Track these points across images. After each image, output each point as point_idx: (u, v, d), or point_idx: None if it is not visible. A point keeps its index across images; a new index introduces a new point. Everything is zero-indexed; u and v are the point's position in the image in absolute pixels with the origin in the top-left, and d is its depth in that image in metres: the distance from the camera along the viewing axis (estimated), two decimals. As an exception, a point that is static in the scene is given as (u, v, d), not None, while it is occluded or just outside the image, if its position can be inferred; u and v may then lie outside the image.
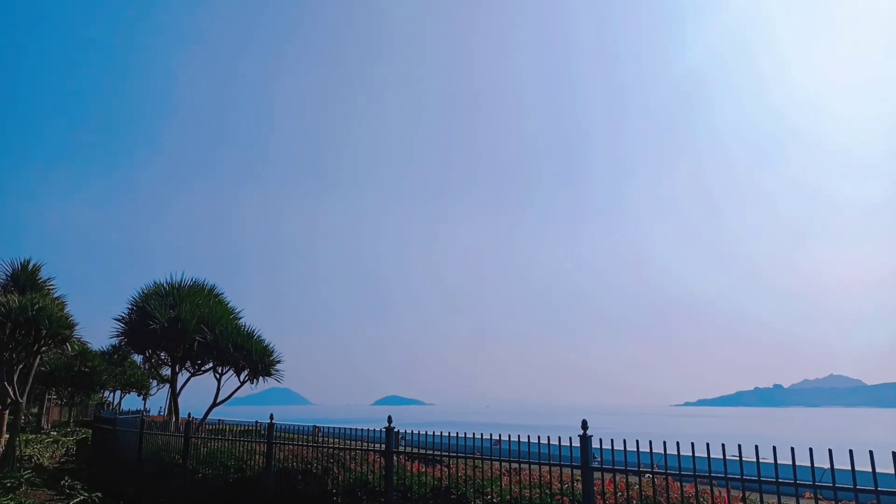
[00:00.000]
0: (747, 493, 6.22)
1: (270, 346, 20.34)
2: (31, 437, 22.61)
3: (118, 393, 46.05)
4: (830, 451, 4.93)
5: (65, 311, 18.08)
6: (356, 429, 10.03)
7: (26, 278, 19.63)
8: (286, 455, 10.42)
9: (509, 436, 7.50)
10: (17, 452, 16.72)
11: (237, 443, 11.53)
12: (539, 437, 7.05)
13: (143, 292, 20.27)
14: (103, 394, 45.35)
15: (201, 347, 19.13)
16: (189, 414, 16.62)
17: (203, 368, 20.54)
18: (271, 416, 10.97)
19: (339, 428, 10.14)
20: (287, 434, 10.79)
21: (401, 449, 8.98)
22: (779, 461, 5.33)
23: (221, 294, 21.65)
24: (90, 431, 22.12)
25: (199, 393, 22.00)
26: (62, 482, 13.90)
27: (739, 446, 5.52)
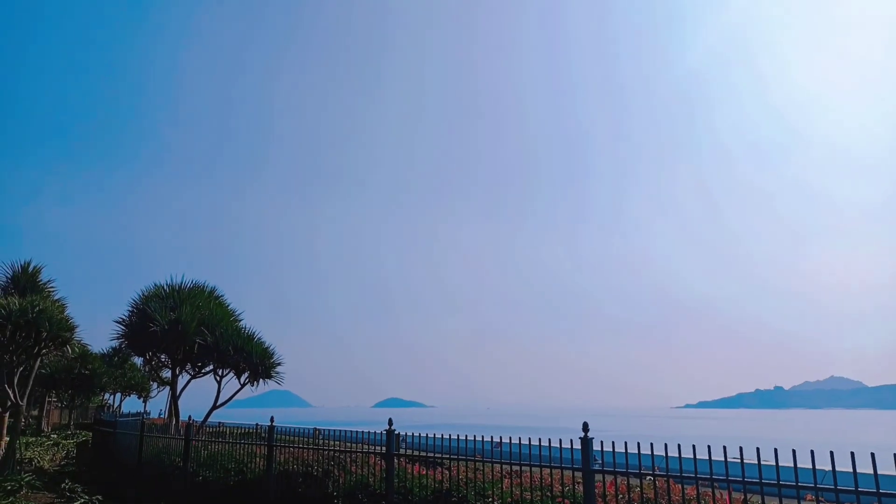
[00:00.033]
0: (749, 496, 6.21)
1: (271, 348, 20.35)
2: (31, 439, 22.59)
3: (118, 395, 46.03)
4: (832, 453, 4.92)
5: (65, 314, 18.07)
6: (357, 431, 10.02)
7: (27, 280, 19.62)
8: (287, 458, 10.41)
9: (510, 438, 7.49)
10: (18, 455, 16.71)
11: (238, 445, 11.52)
12: (540, 439, 7.04)
13: (143, 294, 20.26)
14: (104, 396, 45.32)
15: (202, 350, 19.12)
16: (189, 416, 16.61)
17: (203, 371, 20.53)
18: (272, 419, 10.96)
19: (340, 430, 10.13)
20: (288, 437, 10.78)
21: (401, 451, 8.97)
22: (780, 463, 5.32)
23: (222, 296, 21.65)
24: (90, 434, 22.11)
25: (199, 395, 21.97)
26: (63, 485, 13.88)
27: (741, 448, 5.51)
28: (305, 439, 10.59)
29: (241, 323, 20.99)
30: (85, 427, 33.28)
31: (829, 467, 5.00)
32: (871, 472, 4.91)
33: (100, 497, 12.97)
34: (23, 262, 19.97)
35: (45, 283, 20.17)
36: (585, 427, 6.64)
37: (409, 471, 8.78)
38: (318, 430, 11.96)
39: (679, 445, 5.92)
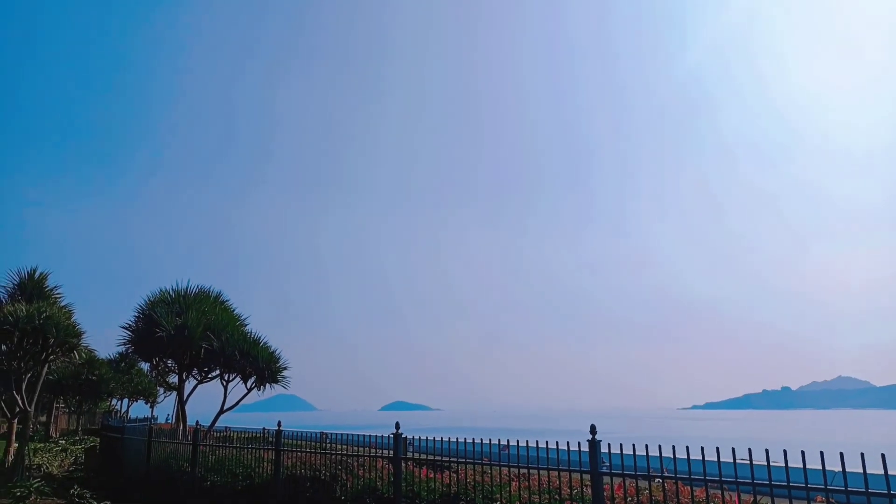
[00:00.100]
0: (758, 498, 6.17)
1: (277, 352, 20.37)
2: (39, 445, 22.68)
3: (126, 401, 46.20)
4: (842, 454, 4.90)
5: (72, 320, 18.15)
6: (364, 435, 10.02)
7: (33, 287, 19.70)
8: (294, 462, 10.42)
9: (517, 441, 7.48)
10: (26, 461, 16.77)
11: (245, 450, 11.54)
12: (547, 442, 7.02)
13: (149, 300, 20.32)
14: (111, 402, 45.49)
15: (208, 354, 19.15)
16: (197, 421, 16.62)
17: (210, 376, 20.56)
18: (279, 424, 10.97)
19: (347, 434, 10.13)
20: (295, 441, 10.79)
21: (409, 455, 8.96)
22: (790, 464, 5.29)
23: (227, 301, 21.70)
24: (98, 440, 22.18)
25: (206, 400, 22.04)
26: (71, 491, 13.93)
27: (749, 450, 5.48)
28: (312, 443, 10.60)
29: (247, 327, 21.03)
30: (93, 433, 33.40)
31: (838, 468, 4.97)
32: (882, 472, 4.88)
33: (108, 502, 13.01)
34: (29, 269, 20.07)
35: (51, 290, 20.25)
36: (593, 429, 6.62)
37: (417, 474, 8.78)
38: (325, 433, 11.97)
39: (687, 447, 5.89)
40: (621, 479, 6.57)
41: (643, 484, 6.78)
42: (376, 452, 9.33)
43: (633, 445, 6.24)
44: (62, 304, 19.60)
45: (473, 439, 8.05)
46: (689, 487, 6.15)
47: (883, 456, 4.71)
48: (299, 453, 10.43)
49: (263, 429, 14.59)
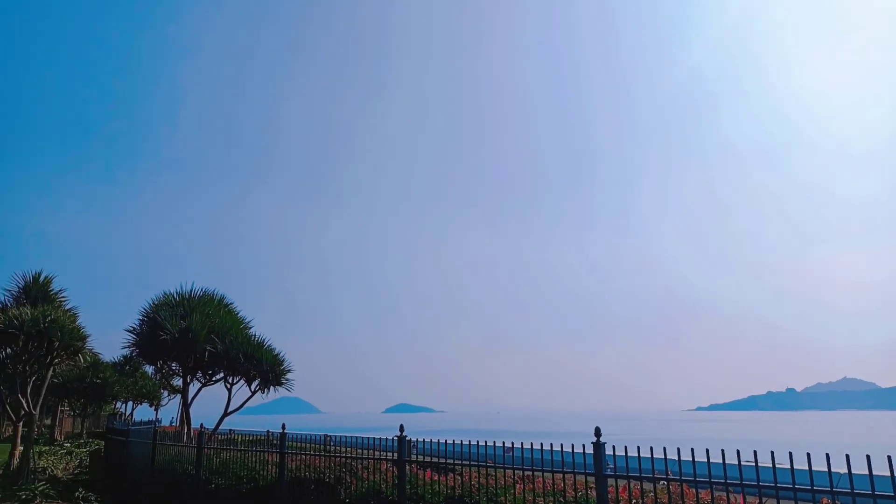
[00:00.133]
0: (764, 500, 6.15)
1: (280, 355, 20.38)
2: (44, 448, 22.75)
3: (130, 404, 46.31)
4: (848, 456, 4.87)
5: (77, 323, 18.22)
6: (367, 437, 10.02)
7: (38, 290, 19.77)
8: (298, 464, 10.42)
9: (521, 443, 7.47)
10: (32, 464, 16.82)
11: (249, 453, 11.55)
12: (552, 444, 7.02)
13: (153, 303, 20.37)
14: (115, 405, 45.60)
15: (212, 357, 19.18)
16: (201, 424, 16.66)
17: (214, 378, 20.59)
18: (283, 426, 10.97)
19: (351, 437, 10.13)
20: (299, 444, 10.79)
21: (412, 457, 8.95)
22: (795, 466, 5.27)
23: (231, 304, 21.72)
24: (103, 443, 22.21)
25: (210, 403, 22.05)
26: (76, 494, 13.95)
27: (755, 452, 5.47)
28: (316, 446, 10.61)
29: (251, 330, 21.05)
30: (97, 436, 33.48)
31: (844, 470, 4.94)
32: (888, 474, 4.86)
33: (113, 505, 13.03)
34: (34, 273, 20.16)
35: (56, 293, 20.34)
36: (598, 432, 6.61)
37: (421, 477, 8.77)
38: (329, 436, 11.96)
39: (692, 449, 5.87)
40: (626, 481, 6.56)
41: (648, 486, 6.77)
42: (380, 455, 9.33)
43: (638, 447, 6.23)
44: (67, 307, 19.68)
45: (477, 441, 8.05)
46: (694, 490, 6.13)
47: (889, 458, 4.69)
48: (303, 456, 10.44)
49: (267, 431, 14.62)
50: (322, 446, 10.79)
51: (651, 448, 6.17)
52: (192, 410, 20.26)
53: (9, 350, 17.36)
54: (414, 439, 9.19)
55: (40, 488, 14.28)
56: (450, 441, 8.36)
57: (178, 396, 23.51)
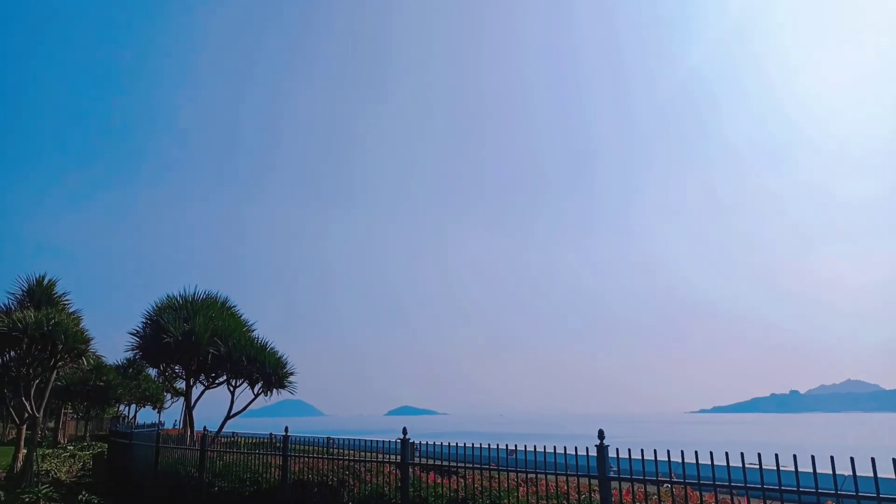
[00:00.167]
0: (768, 503, 6.14)
1: (283, 357, 20.42)
2: (47, 451, 22.77)
3: (133, 406, 46.37)
4: (852, 458, 4.86)
5: (80, 326, 18.26)
6: (371, 440, 10.02)
7: (42, 294, 19.84)
8: (301, 467, 10.42)
9: (524, 446, 7.46)
10: (35, 467, 16.84)
11: (252, 455, 11.55)
12: (555, 447, 7.00)
13: (156, 306, 20.42)
14: (118, 407, 45.65)
15: (215, 360, 19.21)
16: (204, 427, 16.69)
17: (217, 381, 20.62)
18: (286, 429, 10.98)
19: (354, 439, 10.13)
20: (301, 446, 10.79)
21: (415, 460, 8.95)
22: (799, 469, 5.25)
23: (234, 307, 21.77)
24: (106, 445, 22.24)
25: (213, 405, 22.06)
26: (79, 496, 13.96)
27: (759, 455, 5.45)
28: (319, 448, 10.60)
29: (254, 333, 21.09)
30: (100, 438, 33.51)
31: (849, 472, 4.93)
32: (893, 476, 4.85)
33: (116, 508, 13.03)
34: (38, 276, 20.22)
35: (59, 296, 20.40)
36: (601, 434, 6.60)
37: (424, 479, 8.76)
38: (331, 439, 11.96)
39: (696, 452, 5.85)
40: (630, 483, 6.54)
41: (652, 489, 6.76)
42: (384, 458, 9.33)
43: (642, 450, 6.22)
44: (70, 310, 19.74)
45: (481, 444, 8.04)
46: (698, 493, 6.12)
47: (894, 460, 4.67)
48: (306, 459, 10.43)
49: (270, 434, 14.60)
50: (325, 449, 10.78)
51: (655, 451, 6.16)
52: (195, 413, 20.29)
53: (13, 353, 17.40)
54: (417, 442, 9.18)
55: (44, 491, 14.29)
56: (452, 443, 8.36)
57: (182, 399, 23.52)
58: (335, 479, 9.74)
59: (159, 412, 46.21)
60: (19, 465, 17.08)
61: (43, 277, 20.24)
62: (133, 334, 20.27)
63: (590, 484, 7.18)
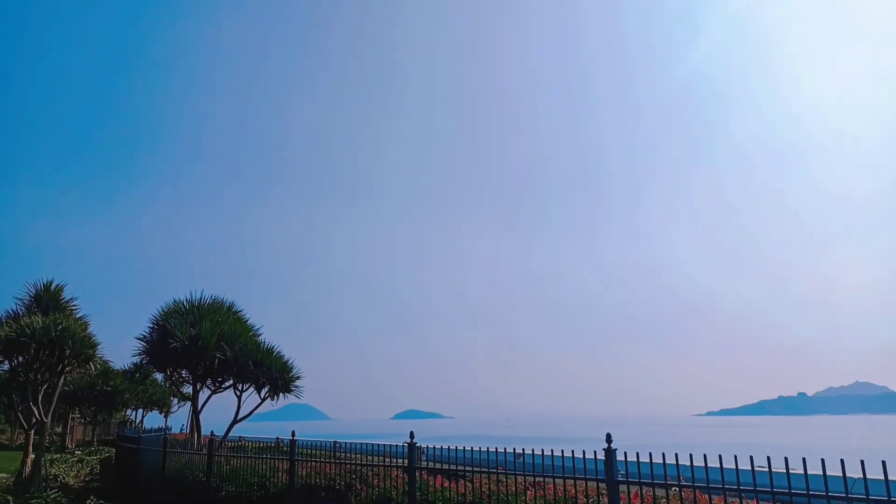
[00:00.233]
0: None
1: (290, 361, 20.42)
2: (55, 456, 22.87)
3: (140, 411, 46.52)
4: (862, 461, 4.83)
5: (87, 331, 18.33)
6: (378, 444, 10.02)
7: (49, 299, 19.93)
8: (308, 471, 10.43)
9: (532, 449, 7.45)
10: (43, 472, 16.90)
11: (259, 460, 11.57)
12: (563, 450, 6.99)
13: (163, 311, 20.47)
14: (126, 412, 45.80)
15: (222, 364, 19.24)
16: (211, 431, 16.70)
17: (224, 385, 20.65)
18: (293, 433, 10.99)
19: (361, 443, 10.14)
20: (309, 450, 10.81)
21: (422, 464, 8.94)
22: (809, 472, 5.23)
23: (240, 311, 21.81)
24: (113, 450, 22.31)
25: (220, 410, 22.09)
26: (87, 501, 14.00)
27: (769, 458, 5.43)
28: (326, 452, 10.62)
29: (260, 337, 21.12)
30: (108, 443, 33.64)
31: (859, 475, 4.90)
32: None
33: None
34: (45, 281, 20.33)
35: (67, 302, 20.50)
36: (609, 438, 6.58)
37: (431, 483, 8.75)
38: (338, 443, 11.97)
39: (705, 455, 5.83)
40: (638, 487, 6.52)
41: (660, 492, 6.74)
42: (391, 462, 9.32)
43: (650, 453, 6.19)
44: (78, 315, 19.83)
45: (488, 448, 8.03)
46: (707, 496, 6.09)
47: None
48: (314, 463, 10.44)
49: (277, 438, 14.63)
50: (332, 453, 10.78)
51: (663, 454, 6.13)
52: (202, 417, 20.32)
53: (21, 358, 17.49)
54: (424, 445, 9.18)
55: (52, 496, 14.34)
56: (460, 447, 8.35)
57: (188, 404, 23.59)
58: (342, 484, 9.75)
59: (166, 417, 46.36)
60: (28, 469, 17.15)
61: (50, 283, 20.35)
62: (140, 339, 20.34)
63: (598, 487, 7.15)
